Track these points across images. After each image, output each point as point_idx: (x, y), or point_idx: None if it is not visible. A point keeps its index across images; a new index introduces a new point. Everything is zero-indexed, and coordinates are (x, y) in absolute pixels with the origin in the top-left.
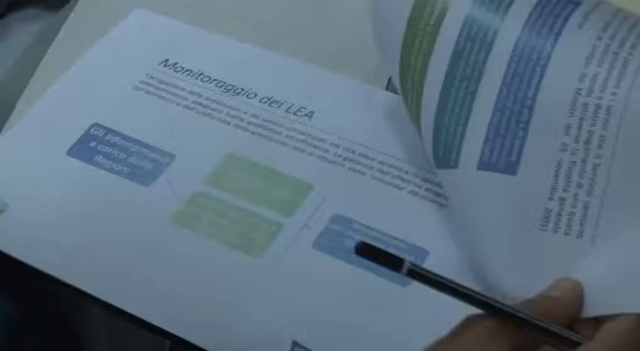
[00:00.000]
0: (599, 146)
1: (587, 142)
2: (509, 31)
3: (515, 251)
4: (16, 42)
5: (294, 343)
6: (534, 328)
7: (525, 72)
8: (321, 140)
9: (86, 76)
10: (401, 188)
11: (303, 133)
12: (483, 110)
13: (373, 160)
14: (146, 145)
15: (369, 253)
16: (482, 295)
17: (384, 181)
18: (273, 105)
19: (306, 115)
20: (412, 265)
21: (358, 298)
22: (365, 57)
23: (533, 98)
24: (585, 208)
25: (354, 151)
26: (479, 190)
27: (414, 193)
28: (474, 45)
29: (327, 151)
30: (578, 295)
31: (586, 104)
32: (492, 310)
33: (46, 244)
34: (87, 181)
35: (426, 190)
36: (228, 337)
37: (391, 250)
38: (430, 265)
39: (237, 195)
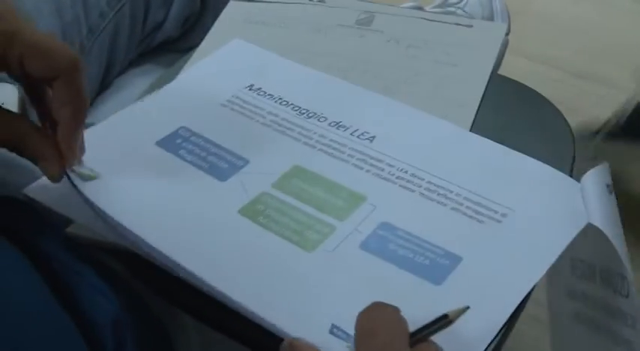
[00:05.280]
0: None
1: None
2: None
3: None
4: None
5: (334, 326)
6: None
7: None
8: (379, 160)
9: (183, 89)
10: (444, 205)
11: (363, 153)
12: None
13: (422, 179)
14: (224, 149)
15: None
16: None
17: (429, 198)
18: (340, 129)
19: (368, 138)
20: None
21: (394, 292)
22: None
23: None
24: None
25: (406, 172)
26: None
27: (456, 210)
28: None
29: (382, 170)
30: None
31: None
32: None
33: (134, 212)
34: (170, 169)
35: (466, 207)
36: (279, 316)
37: (428, 255)
38: (462, 268)
39: (298, 199)
